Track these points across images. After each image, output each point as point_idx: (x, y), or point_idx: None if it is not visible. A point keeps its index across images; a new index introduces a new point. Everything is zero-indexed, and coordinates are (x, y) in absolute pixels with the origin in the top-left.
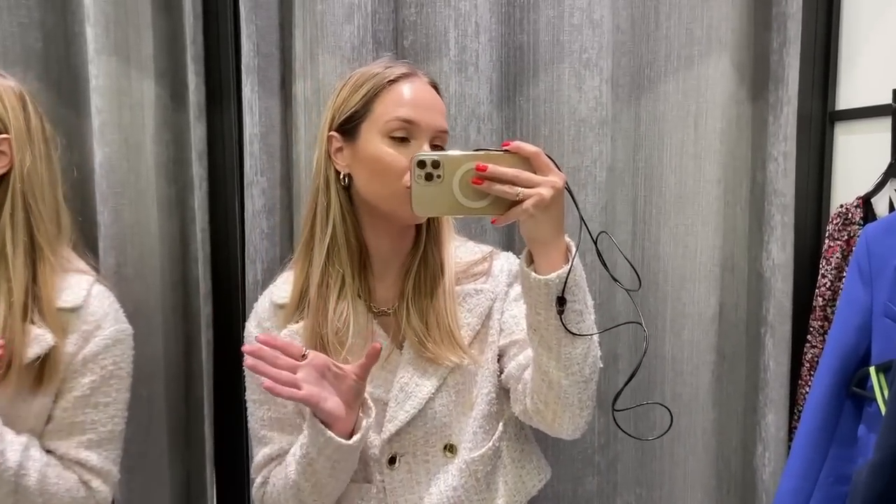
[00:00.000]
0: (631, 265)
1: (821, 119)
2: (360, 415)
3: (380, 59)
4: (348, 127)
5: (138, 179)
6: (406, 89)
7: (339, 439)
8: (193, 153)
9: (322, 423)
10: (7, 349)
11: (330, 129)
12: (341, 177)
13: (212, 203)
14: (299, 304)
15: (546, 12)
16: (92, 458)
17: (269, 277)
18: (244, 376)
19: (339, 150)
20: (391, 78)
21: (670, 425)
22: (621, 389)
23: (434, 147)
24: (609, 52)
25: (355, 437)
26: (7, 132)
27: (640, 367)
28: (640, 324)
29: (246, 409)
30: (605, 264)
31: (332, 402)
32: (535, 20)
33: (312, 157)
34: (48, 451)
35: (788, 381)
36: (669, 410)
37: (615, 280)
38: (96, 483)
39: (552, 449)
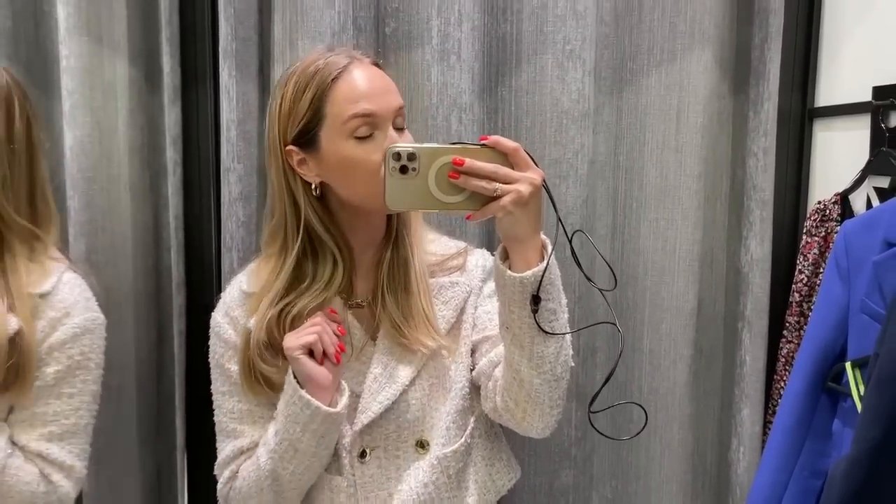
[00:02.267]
0: (608, 264)
1: (800, 115)
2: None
3: (315, 49)
4: (306, 138)
5: (110, 164)
6: (353, 81)
7: (328, 408)
8: (168, 138)
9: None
10: None
11: (284, 144)
12: (313, 187)
13: (186, 190)
14: (261, 297)
15: (530, 2)
16: (53, 450)
17: (245, 266)
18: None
19: (303, 161)
20: (334, 75)
21: (645, 424)
22: (598, 392)
23: (397, 129)
24: (592, 43)
25: (342, 403)
26: None
27: (619, 362)
28: (615, 324)
29: None
30: (579, 264)
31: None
32: (518, 10)
33: None
34: (13, 443)
35: (764, 376)
36: (644, 409)
37: (589, 280)
38: (57, 477)
39: (528, 442)
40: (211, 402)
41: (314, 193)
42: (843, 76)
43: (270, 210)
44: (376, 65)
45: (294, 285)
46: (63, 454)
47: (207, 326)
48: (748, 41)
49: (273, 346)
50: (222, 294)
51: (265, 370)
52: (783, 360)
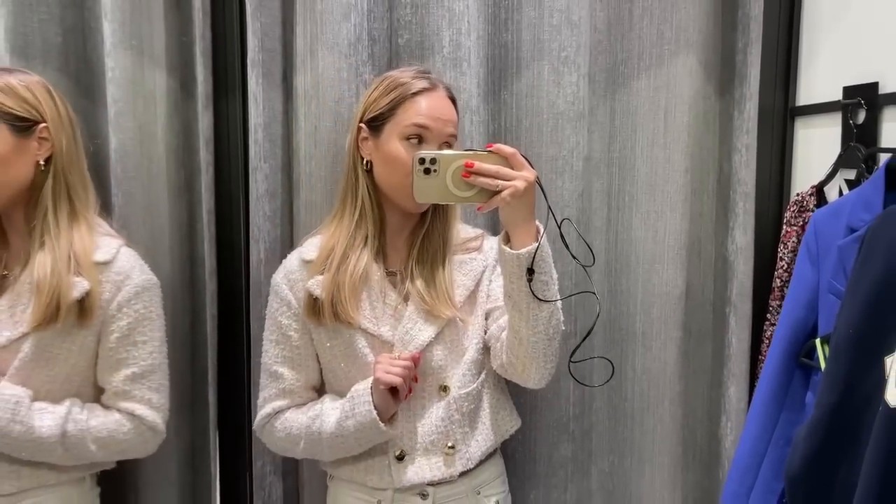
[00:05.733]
0: (587, 244)
1: (783, 114)
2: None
3: (411, 66)
4: (375, 124)
5: (150, 165)
6: (426, 101)
7: (386, 428)
8: (201, 140)
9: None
10: (57, 293)
11: (360, 121)
12: (364, 162)
13: (217, 187)
14: (325, 262)
15: (528, 13)
16: (135, 388)
17: (271, 256)
18: (250, 348)
19: (365, 139)
20: (415, 90)
21: (612, 374)
22: (578, 345)
23: (443, 148)
24: (586, 50)
25: (395, 427)
26: (45, 121)
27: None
28: (594, 293)
29: (249, 380)
30: (566, 244)
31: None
32: (518, 20)
33: (311, 146)
34: (102, 388)
35: (749, 356)
36: (611, 362)
37: (574, 257)
38: (141, 410)
39: (529, 415)
40: (241, 380)
41: (365, 168)
42: (820, 77)
43: (344, 172)
44: (451, 99)
45: (350, 245)
46: (143, 390)
47: (237, 310)
48: (732, 46)
49: (338, 290)
50: (284, 262)
51: (323, 304)
52: (767, 341)
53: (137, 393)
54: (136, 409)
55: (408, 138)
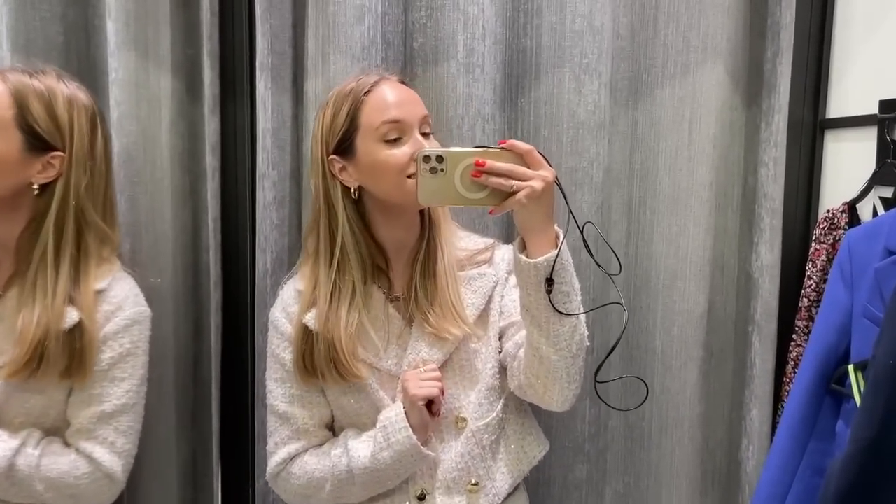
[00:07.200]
0: (612, 250)
1: (812, 126)
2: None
3: (350, 75)
4: (344, 146)
5: (154, 169)
6: (382, 94)
7: (428, 452)
8: (207, 145)
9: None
10: (40, 348)
11: (327, 154)
12: (352, 191)
13: (223, 194)
14: (312, 297)
15: (549, 18)
16: (100, 428)
17: (278, 266)
18: (254, 361)
19: (343, 169)
20: (366, 89)
21: (646, 396)
22: (603, 361)
23: (423, 134)
24: (608, 57)
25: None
26: (63, 150)
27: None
28: (621, 304)
29: (252, 393)
30: (589, 250)
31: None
32: (538, 25)
33: None
34: (69, 423)
35: (773, 378)
36: (645, 382)
37: (598, 265)
38: (100, 453)
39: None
40: (244, 393)
41: (353, 196)
42: (854, 89)
43: (311, 218)
44: (403, 82)
45: (337, 296)
46: (108, 431)
47: (241, 322)
48: (761, 55)
49: (334, 349)
50: (280, 293)
51: (322, 366)
52: (792, 362)
53: (101, 433)
54: (94, 452)
55: (384, 139)
